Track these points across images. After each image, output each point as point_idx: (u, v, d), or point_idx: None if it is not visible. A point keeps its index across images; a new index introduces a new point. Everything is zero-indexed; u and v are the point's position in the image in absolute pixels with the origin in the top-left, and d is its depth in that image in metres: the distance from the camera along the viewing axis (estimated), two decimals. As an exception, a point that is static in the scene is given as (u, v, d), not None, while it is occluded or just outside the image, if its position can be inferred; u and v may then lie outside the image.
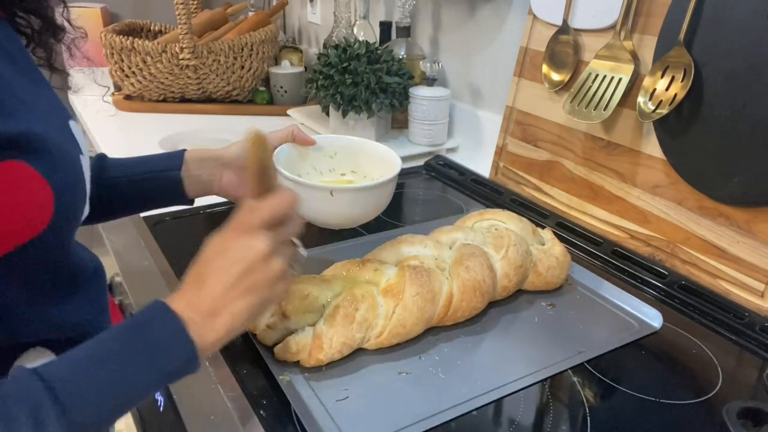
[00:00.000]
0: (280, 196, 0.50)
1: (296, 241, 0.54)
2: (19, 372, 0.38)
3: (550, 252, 0.77)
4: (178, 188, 0.66)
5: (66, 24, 0.58)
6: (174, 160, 0.67)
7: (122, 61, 1.42)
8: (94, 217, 0.67)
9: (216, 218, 0.93)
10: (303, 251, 0.55)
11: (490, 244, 0.74)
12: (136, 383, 0.41)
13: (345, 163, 0.73)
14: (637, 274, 0.82)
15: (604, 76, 0.86)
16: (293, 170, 0.69)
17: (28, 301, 0.46)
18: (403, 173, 0.98)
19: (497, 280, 0.71)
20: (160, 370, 0.43)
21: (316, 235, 0.92)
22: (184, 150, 0.68)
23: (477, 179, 1.11)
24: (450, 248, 0.72)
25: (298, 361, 0.60)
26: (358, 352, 0.63)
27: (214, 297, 0.46)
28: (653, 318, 0.72)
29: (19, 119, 0.41)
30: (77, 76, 0.62)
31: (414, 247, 0.70)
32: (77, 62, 0.61)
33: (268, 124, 1.44)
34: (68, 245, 0.49)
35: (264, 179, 0.50)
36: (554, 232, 0.81)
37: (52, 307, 0.47)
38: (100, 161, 0.66)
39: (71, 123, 0.50)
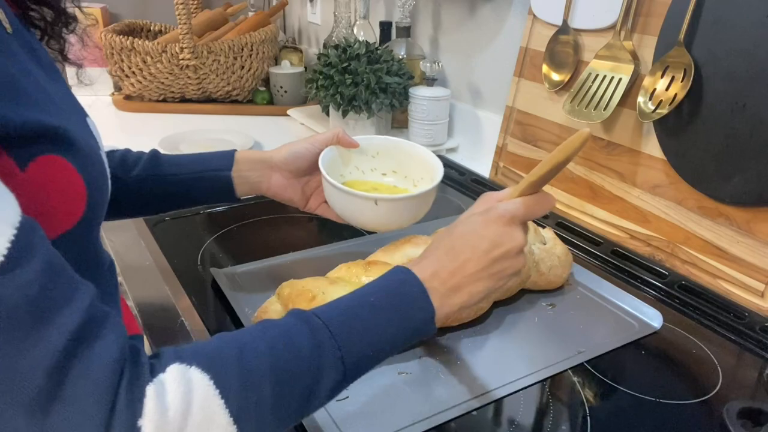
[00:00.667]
0: (547, 200, 0.52)
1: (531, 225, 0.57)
2: (296, 311, 0.43)
3: (552, 251, 0.77)
4: (229, 188, 0.68)
5: (77, 12, 0.59)
6: (225, 160, 0.69)
7: (122, 61, 1.42)
8: (143, 211, 0.70)
9: (216, 219, 0.93)
10: (536, 259, 0.59)
11: None
12: (387, 335, 0.45)
13: (386, 163, 0.75)
14: (637, 274, 0.82)
15: (604, 76, 0.86)
16: (336, 171, 0.71)
17: None
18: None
19: None
20: (406, 327, 0.46)
21: (318, 234, 0.92)
22: (235, 150, 0.70)
23: (477, 179, 1.12)
24: None
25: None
26: (358, 352, 0.63)
27: (463, 275, 0.49)
28: (653, 318, 0.72)
29: (52, 115, 0.41)
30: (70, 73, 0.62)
31: (419, 248, 0.70)
32: (90, 52, 0.62)
33: (268, 125, 1.44)
34: (95, 239, 0.50)
35: (551, 177, 0.52)
36: (554, 232, 0.81)
37: None
38: (155, 158, 0.68)
39: (88, 120, 0.51)
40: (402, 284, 0.48)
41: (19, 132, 0.37)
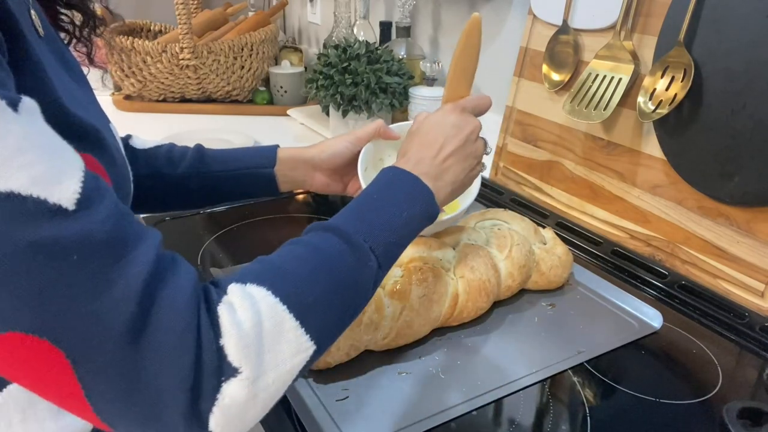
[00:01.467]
0: (484, 98, 0.62)
1: (483, 137, 0.63)
2: (313, 225, 0.46)
3: (552, 251, 0.77)
4: (272, 185, 0.71)
5: (105, 12, 0.62)
6: (268, 157, 0.70)
7: (122, 61, 1.42)
8: (187, 205, 0.72)
9: (216, 219, 0.93)
10: (489, 147, 0.64)
11: (493, 244, 0.74)
12: (401, 220, 0.48)
13: None
14: (637, 274, 0.82)
15: (604, 76, 0.86)
16: (372, 162, 0.73)
17: None
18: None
19: (501, 280, 0.72)
20: (414, 210, 0.50)
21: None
22: (277, 146, 0.72)
23: (477, 179, 1.11)
24: (453, 249, 0.72)
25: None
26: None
27: (444, 156, 0.55)
28: (653, 318, 0.72)
29: (86, 115, 0.42)
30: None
31: (418, 248, 0.70)
32: (117, 54, 0.65)
33: (268, 124, 1.44)
34: None
35: (472, 76, 0.62)
36: (554, 232, 0.81)
37: None
38: (200, 154, 0.70)
39: (111, 125, 0.52)
40: (395, 178, 0.52)
41: (68, 123, 0.38)
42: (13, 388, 0.43)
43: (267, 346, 0.36)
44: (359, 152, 0.70)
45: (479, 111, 0.61)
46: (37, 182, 0.31)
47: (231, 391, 0.34)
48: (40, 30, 0.46)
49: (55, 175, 0.32)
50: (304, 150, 0.71)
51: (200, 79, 1.46)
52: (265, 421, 0.54)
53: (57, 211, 0.31)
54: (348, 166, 0.72)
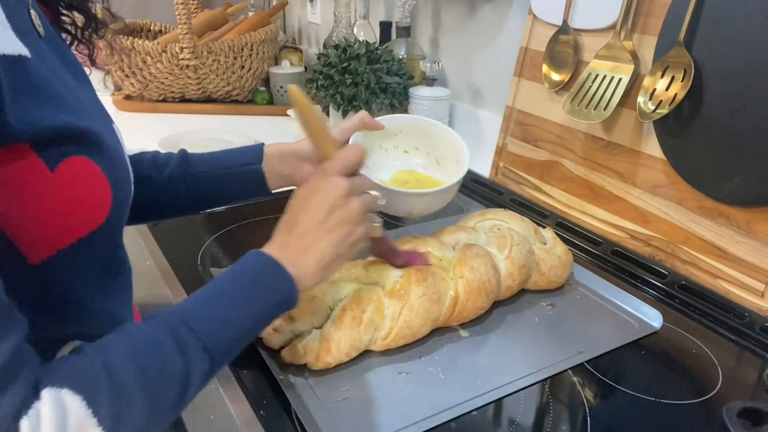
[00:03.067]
0: (350, 150, 0.57)
1: (373, 192, 0.59)
2: (151, 312, 0.45)
3: (552, 251, 0.77)
4: (261, 182, 0.69)
5: (105, 14, 0.61)
6: (255, 154, 0.69)
7: (122, 61, 1.42)
8: (180, 211, 0.71)
9: (216, 219, 0.93)
10: (382, 200, 0.60)
11: (493, 244, 0.74)
12: (250, 314, 0.47)
13: (409, 140, 0.76)
14: (637, 274, 0.82)
15: (604, 76, 0.86)
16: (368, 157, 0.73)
17: (81, 295, 0.47)
18: (403, 173, 0.98)
19: (501, 280, 0.72)
20: (267, 302, 0.49)
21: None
22: (263, 144, 0.71)
23: (477, 179, 1.12)
24: (453, 249, 0.72)
25: (304, 364, 0.60)
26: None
27: (303, 235, 0.52)
28: (653, 318, 0.72)
29: (82, 117, 0.42)
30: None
31: (418, 249, 0.70)
32: (117, 55, 0.64)
33: (268, 124, 1.44)
34: (118, 240, 0.50)
35: (324, 135, 0.57)
36: (554, 232, 0.81)
37: (97, 300, 0.49)
38: (184, 158, 0.69)
39: (114, 125, 0.52)
40: (253, 264, 0.50)
41: (50, 134, 0.38)
42: None
43: None
44: (346, 143, 0.69)
45: (349, 167, 0.56)
46: None
47: None
48: (41, 29, 0.46)
49: None
50: (291, 144, 0.70)
51: (200, 79, 1.46)
52: (264, 421, 0.54)
53: None
54: None
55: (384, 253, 0.67)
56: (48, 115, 0.39)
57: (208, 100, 1.53)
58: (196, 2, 1.71)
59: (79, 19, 0.58)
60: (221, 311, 0.46)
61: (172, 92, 1.49)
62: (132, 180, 0.50)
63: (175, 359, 0.42)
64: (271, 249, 0.51)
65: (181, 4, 1.34)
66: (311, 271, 0.52)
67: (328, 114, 1.31)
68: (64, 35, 0.56)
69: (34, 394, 0.35)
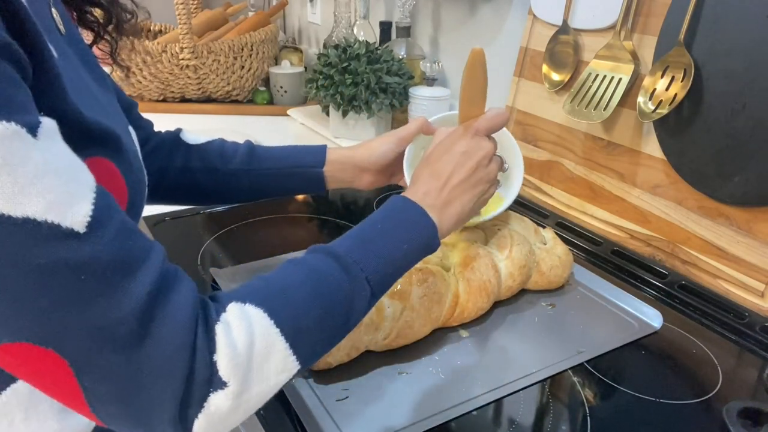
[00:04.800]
0: (498, 112, 0.60)
1: (499, 155, 0.62)
2: (315, 246, 0.48)
3: (552, 251, 0.77)
4: (320, 183, 0.72)
5: (130, 3, 0.63)
6: (318, 156, 0.72)
7: (122, 60, 1.41)
8: (234, 200, 0.75)
9: (216, 219, 0.93)
10: (506, 164, 0.63)
11: (493, 244, 0.74)
12: (400, 252, 0.50)
13: None
14: (637, 274, 0.82)
15: (604, 76, 0.86)
16: (418, 158, 0.72)
17: None
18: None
19: (502, 280, 0.72)
20: (414, 244, 0.51)
21: (318, 234, 0.92)
22: (326, 146, 0.73)
23: (477, 179, 1.11)
24: (454, 249, 0.72)
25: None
26: (358, 352, 0.63)
27: (450, 188, 0.55)
28: (653, 318, 0.72)
29: (105, 118, 0.43)
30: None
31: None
32: (141, 57, 0.65)
33: (268, 124, 1.44)
34: None
35: (478, 94, 0.60)
36: (554, 232, 0.81)
37: None
38: (251, 150, 0.71)
39: (129, 126, 0.52)
40: (402, 209, 0.53)
41: (82, 130, 0.39)
42: (17, 387, 0.43)
43: (256, 365, 0.39)
44: (404, 151, 0.72)
45: (494, 129, 0.60)
46: (52, 207, 0.32)
47: (217, 401, 0.37)
48: (62, 28, 0.46)
49: (69, 199, 0.33)
50: (353, 152, 0.72)
51: (200, 79, 1.46)
52: (265, 421, 0.54)
53: (69, 234, 0.33)
54: (394, 164, 0.73)
55: None
56: (83, 113, 0.39)
57: (208, 100, 1.53)
58: (196, 2, 1.71)
59: (101, 15, 0.58)
60: (378, 247, 0.48)
61: (172, 92, 1.49)
62: (146, 182, 0.51)
63: (343, 285, 0.45)
64: (416, 195, 0.54)
65: (181, 4, 1.34)
66: (450, 223, 0.55)
67: (327, 114, 1.31)
68: (85, 33, 0.56)
69: (220, 306, 0.39)
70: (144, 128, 0.72)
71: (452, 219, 0.55)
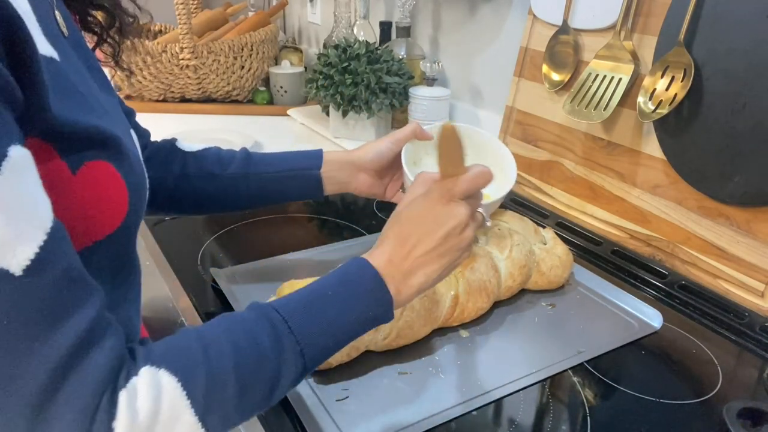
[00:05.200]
0: (479, 172, 0.53)
1: (482, 212, 0.58)
2: (256, 304, 0.45)
3: (552, 251, 0.77)
4: (318, 186, 0.71)
5: (132, 6, 0.63)
6: (314, 159, 0.71)
7: (122, 60, 1.41)
8: (234, 207, 0.73)
9: (216, 219, 0.93)
10: (488, 222, 0.60)
11: (493, 244, 0.74)
12: (346, 325, 0.47)
13: None
14: (637, 274, 0.82)
15: (604, 76, 0.86)
16: (412, 161, 0.74)
17: None
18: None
19: (502, 281, 0.72)
20: (364, 316, 0.48)
21: (318, 234, 0.92)
22: (321, 150, 0.73)
23: (477, 179, 1.11)
24: None
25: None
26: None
27: (415, 257, 0.51)
28: (653, 318, 0.72)
29: (105, 121, 0.43)
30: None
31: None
32: (141, 57, 0.65)
33: (268, 124, 1.44)
34: (132, 243, 0.51)
35: (455, 161, 0.53)
36: (554, 232, 0.81)
37: (110, 305, 0.49)
38: (248, 156, 0.71)
39: (130, 129, 0.52)
40: (359, 276, 0.49)
41: (80, 135, 0.39)
42: None
43: None
44: (399, 152, 0.72)
45: (474, 191, 0.54)
46: None
47: None
48: (65, 31, 0.46)
49: (12, 240, 0.32)
50: (349, 152, 0.73)
51: (200, 79, 1.46)
52: (264, 421, 0.54)
53: (3, 275, 0.32)
54: (390, 166, 0.73)
55: None
56: (80, 117, 0.39)
57: (208, 100, 1.53)
58: (196, 2, 1.71)
59: (104, 18, 0.58)
60: (322, 318, 0.46)
61: (172, 92, 1.49)
62: (147, 185, 0.51)
63: (270, 358, 0.42)
64: (377, 260, 0.50)
65: (181, 4, 1.34)
66: (410, 293, 0.51)
67: (327, 114, 1.31)
68: (87, 36, 0.57)
69: (133, 369, 0.37)
70: (141, 136, 0.71)
71: (412, 289, 0.51)
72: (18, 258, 0.32)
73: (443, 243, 0.52)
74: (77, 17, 0.55)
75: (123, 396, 0.36)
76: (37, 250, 0.33)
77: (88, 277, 0.37)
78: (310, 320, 0.45)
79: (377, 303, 0.49)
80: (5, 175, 0.32)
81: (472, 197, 0.55)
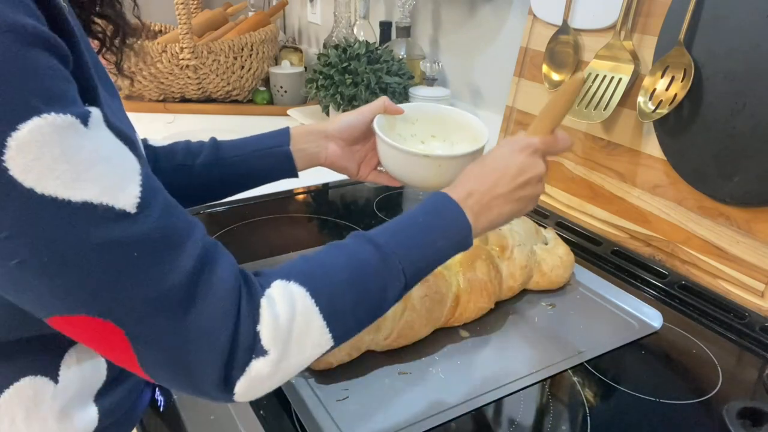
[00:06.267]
0: (565, 140, 0.60)
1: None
2: (357, 233, 0.50)
3: (554, 252, 0.77)
4: (290, 162, 0.72)
5: (138, 23, 0.64)
6: (282, 136, 0.72)
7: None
8: (209, 197, 0.74)
9: (216, 219, 0.93)
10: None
11: (494, 244, 0.74)
12: (435, 248, 0.51)
13: (426, 128, 0.77)
14: (637, 274, 0.82)
15: (604, 76, 0.86)
16: (391, 137, 0.72)
17: None
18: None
19: (503, 281, 0.72)
20: (449, 242, 0.52)
21: (318, 234, 0.92)
22: (288, 127, 0.74)
23: (477, 179, 1.11)
24: None
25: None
26: (358, 352, 0.63)
27: (493, 195, 0.55)
28: (653, 318, 0.72)
29: (126, 125, 0.44)
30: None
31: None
32: (140, 58, 0.66)
33: (268, 124, 1.44)
34: None
35: (557, 118, 0.59)
36: (555, 233, 0.81)
37: None
38: (215, 144, 0.72)
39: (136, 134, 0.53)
40: (442, 206, 0.54)
41: (112, 132, 0.40)
42: (20, 386, 0.44)
43: (295, 338, 0.42)
44: (370, 125, 0.71)
45: (554, 153, 0.61)
46: (106, 191, 0.35)
47: (258, 367, 0.40)
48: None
49: (120, 182, 0.36)
50: (317, 123, 0.73)
51: (200, 79, 1.46)
52: (264, 421, 0.54)
53: (121, 215, 0.36)
54: (360, 137, 0.73)
55: None
56: (110, 115, 0.40)
57: (208, 100, 1.53)
58: (196, 2, 1.71)
59: (108, 28, 0.59)
60: (415, 241, 0.50)
61: (172, 92, 1.49)
62: None
63: (380, 274, 0.47)
64: (460, 194, 0.54)
65: (181, 4, 1.34)
66: (483, 227, 0.55)
67: (327, 114, 1.31)
68: (92, 42, 0.57)
69: (266, 282, 0.43)
70: None
71: (485, 224, 0.55)
72: (129, 197, 0.36)
73: (521, 188, 0.56)
74: (82, 24, 0.55)
75: (264, 302, 0.41)
76: (140, 188, 0.37)
77: (182, 207, 0.41)
78: (406, 243, 0.49)
79: (459, 229, 0.53)
80: (94, 130, 0.36)
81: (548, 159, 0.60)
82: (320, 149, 0.72)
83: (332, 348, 0.45)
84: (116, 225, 0.36)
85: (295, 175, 0.73)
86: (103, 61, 0.60)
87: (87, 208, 0.35)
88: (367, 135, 0.72)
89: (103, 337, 0.37)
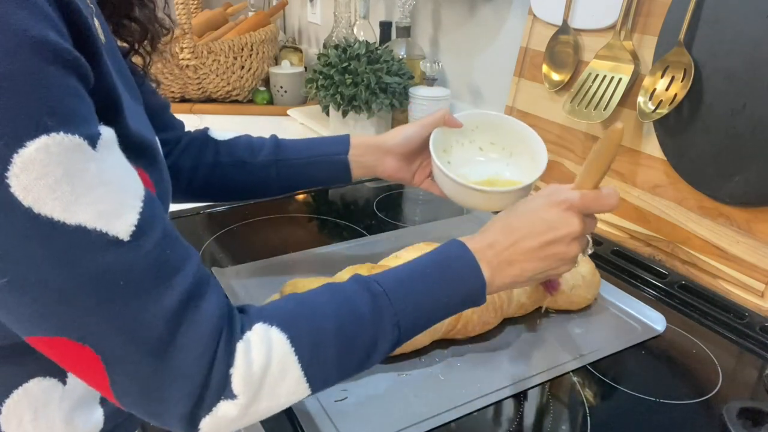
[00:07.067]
0: (609, 198, 0.53)
1: (589, 237, 0.58)
2: (358, 276, 0.48)
3: (576, 270, 0.71)
4: (346, 171, 0.72)
5: (167, 20, 0.65)
6: (341, 144, 0.72)
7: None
8: (265, 193, 0.74)
9: (216, 219, 0.93)
10: (591, 248, 0.59)
11: None
12: (440, 303, 0.49)
13: (484, 136, 0.77)
14: (637, 274, 0.82)
15: (604, 76, 0.86)
16: (441, 148, 0.73)
17: None
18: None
19: (513, 296, 0.68)
20: (457, 297, 0.50)
21: (318, 234, 0.92)
22: (348, 135, 0.74)
23: (477, 179, 1.11)
24: None
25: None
26: (358, 352, 0.63)
27: (517, 250, 0.52)
28: (657, 321, 0.71)
29: (145, 129, 0.44)
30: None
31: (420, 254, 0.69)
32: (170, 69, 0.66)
33: (268, 124, 1.44)
34: None
35: (601, 170, 0.53)
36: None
37: None
38: (277, 144, 0.73)
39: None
40: (456, 258, 0.51)
41: (131, 141, 0.40)
42: (28, 387, 0.45)
43: (267, 386, 0.41)
44: (428, 137, 0.71)
45: (595, 211, 0.54)
46: (102, 217, 0.35)
47: (225, 409, 0.40)
48: (103, 38, 0.46)
49: (118, 209, 0.36)
50: (376, 136, 0.74)
51: (200, 79, 1.46)
52: (264, 422, 0.54)
53: (114, 242, 0.35)
54: (417, 151, 0.73)
55: (551, 285, 0.68)
56: (130, 125, 0.40)
57: (208, 100, 1.53)
58: (196, 2, 1.71)
59: (137, 31, 0.60)
60: (418, 294, 0.48)
61: (172, 92, 1.49)
62: (171, 191, 0.51)
63: (369, 326, 0.45)
64: (477, 244, 0.52)
65: (181, 4, 1.34)
66: (503, 283, 0.52)
67: (327, 114, 1.31)
68: (120, 45, 0.57)
69: (247, 324, 0.42)
70: (176, 128, 0.74)
71: (506, 280, 0.52)
72: (124, 225, 0.36)
73: (548, 246, 0.52)
74: (111, 26, 0.55)
75: (240, 346, 0.40)
76: (138, 216, 0.37)
77: (182, 238, 0.40)
78: (407, 295, 0.47)
79: (471, 285, 0.50)
80: (102, 153, 0.35)
81: (590, 217, 0.55)
82: (378, 163, 0.73)
83: (310, 395, 0.44)
84: (106, 252, 0.35)
85: (349, 182, 0.74)
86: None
87: (80, 231, 0.34)
88: (424, 146, 0.71)
89: (80, 361, 0.37)
